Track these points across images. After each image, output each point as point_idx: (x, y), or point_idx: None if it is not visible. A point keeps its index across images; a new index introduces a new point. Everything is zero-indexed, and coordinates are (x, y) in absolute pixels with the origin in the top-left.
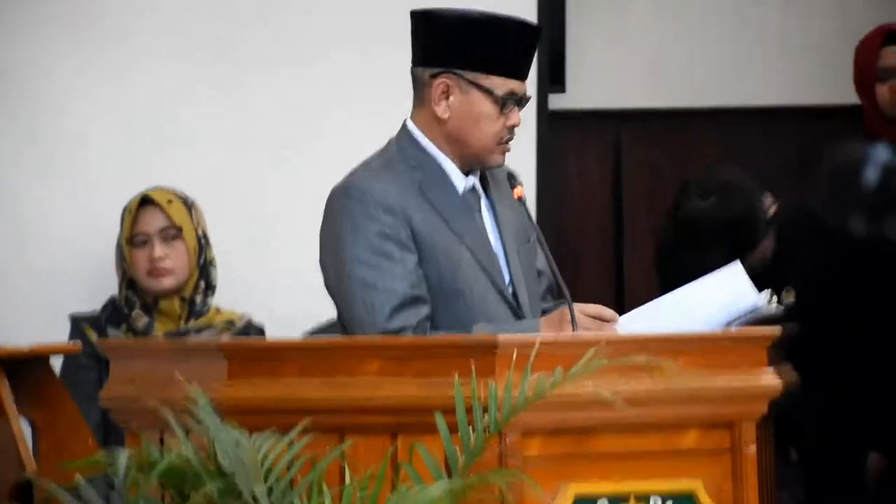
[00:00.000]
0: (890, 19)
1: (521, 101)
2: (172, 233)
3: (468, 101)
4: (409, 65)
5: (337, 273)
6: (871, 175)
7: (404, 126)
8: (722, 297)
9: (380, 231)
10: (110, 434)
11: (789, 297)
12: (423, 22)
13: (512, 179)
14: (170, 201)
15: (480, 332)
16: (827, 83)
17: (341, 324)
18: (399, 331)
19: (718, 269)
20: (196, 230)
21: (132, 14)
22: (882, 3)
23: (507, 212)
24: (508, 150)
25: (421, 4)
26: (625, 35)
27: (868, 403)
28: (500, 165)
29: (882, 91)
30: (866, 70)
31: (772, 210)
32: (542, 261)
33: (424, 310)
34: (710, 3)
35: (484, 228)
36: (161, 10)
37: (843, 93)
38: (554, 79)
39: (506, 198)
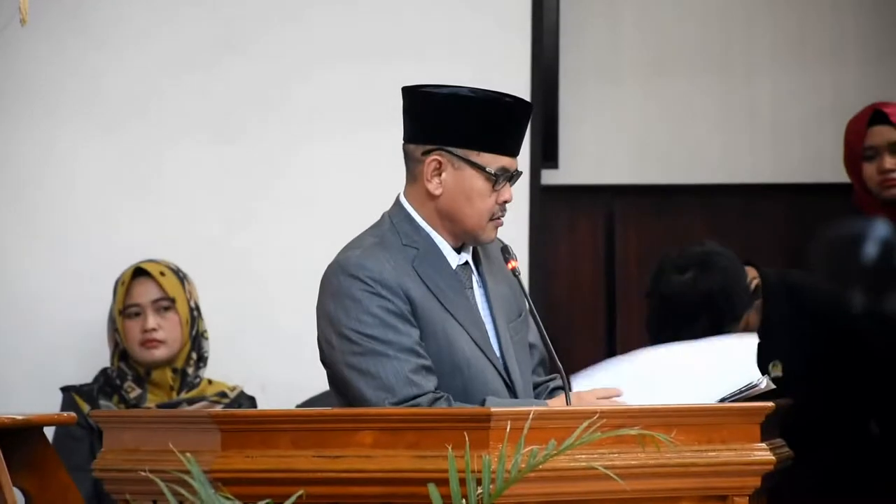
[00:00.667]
0: (882, 98)
1: (512, 177)
2: (165, 304)
3: (460, 178)
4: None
5: (341, 349)
6: (871, 250)
7: (397, 201)
8: (727, 364)
9: (382, 306)
10: None
11: (776, 371)
12: (414, 98)
13: (506, 253)
14: (163, 273)
15: (493, 405)
16: (817, 161)
17: (346, 399)
18: (417, 395)
19: (736, 335)
20: (189, 302)
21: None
22: (874, 82)
23: (498, 287)
24: (501, 225)
25: (412, 80)
26: (617, 112)
27: (862, 476)
28: (492, 241)
29: (869, 170)
30: (854, 149)
31: (754, 282)
32: (533, 334)
33: (435, 379)
34: (700, 81)
35: (475, 304)
36: (147, 77)
37: (834, 171)
38: (547, 154)
39: (498, 272)
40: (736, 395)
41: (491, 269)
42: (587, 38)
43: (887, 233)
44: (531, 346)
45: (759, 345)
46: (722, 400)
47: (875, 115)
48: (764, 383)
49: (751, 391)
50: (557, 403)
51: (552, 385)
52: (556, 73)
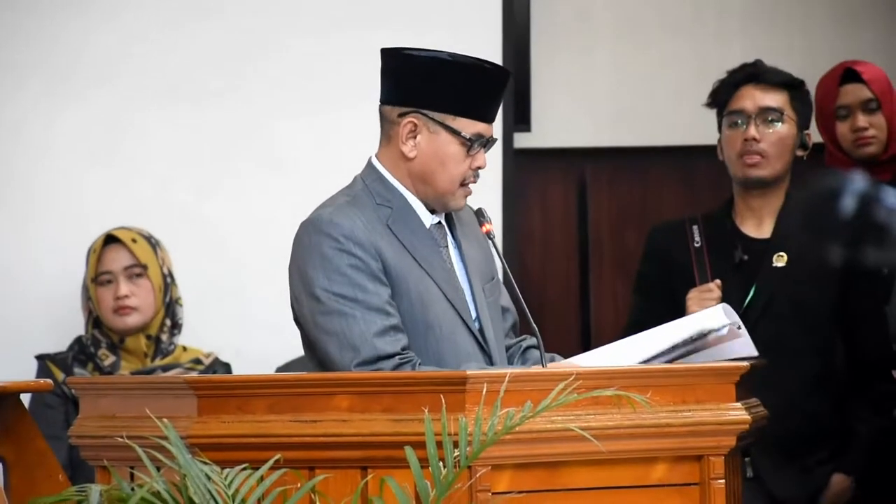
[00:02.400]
0: (852, 51)
1: (487, 143)
2: (137, 271)
3: (435, 142)
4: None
5: (310, 307)
6: (848, 204)
7: (370, 163)
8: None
9: (352, 264)
10: (77, 473)
11: None
12: (393, 60)
13: (480, 216)
14: (134, 240)
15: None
16: None
17: (315, 357)
18: (381, 358)
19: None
20: (161, 268)
21: (97, 49)
22: (845, 45)
23: (472, 250)
24: (470, 193)
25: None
26: (589, 75)
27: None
28: (460, 209)
29: (842, 129)
30: (825, 108)
31: None
32: (506, 298)
33: (403, 339)
34: (671, 43)
35: (451, 264)
36: (118, 43)
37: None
38: (519, 118)
39: (471, 235)
40: (689, 341)
41: (464, 232)
42: (558, 1)
43: (865, 187)
44: (504, 309)
45: None
46: (674, 346)
47: (846, 74)
48: (725, 330)
49: (706, 339)
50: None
51: (525, 344)
52: (527, 36)
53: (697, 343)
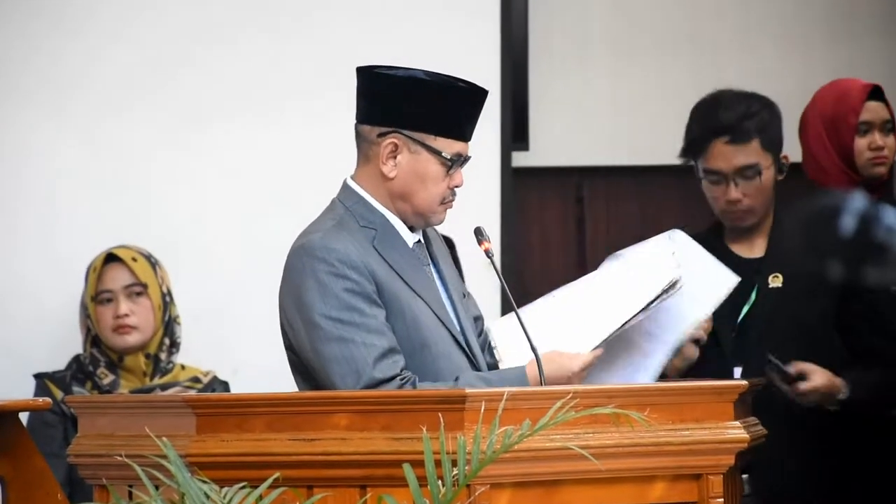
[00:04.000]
0: (848, 68)
1: (464, 162)
2: (137, 290)
3: (416, 162)
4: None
5: (308, 333)
6: (848, 222)
7: (346, 186)
8: (647, 272)
9: (347, 287)
10: (76, 492)
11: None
12: (369, 79)
13: (479, 234)
14: (134, 259)
15: (468, 382)
16: (786, 141)
17: (311, 383)
18: (383, 382)
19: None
20: (161, 287)
21: (98, 70)
22: (842, 61)
23: (445, 267)
24: (450, 208)
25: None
26: (586, 93)
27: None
28: (441, 223)
29: (860, 144)
30: (846, 121)
31: None
32: (474, 307)
33: (401, 361)
34: (669, 62)
35: (434, 281)
36: (118, 64)
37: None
38: (517, 136)
39: (442, 252)
40: (662, 295)
41: (436, 250)
42: (556, 20)
43: (865, 206)
44: (476, 318)
45: None
46: (648, 304)
47: (874, 91)
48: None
49: (674, 289)
50: (531, 370)
51: (484, 330)
52: (525, 56)
53: (669, 293)
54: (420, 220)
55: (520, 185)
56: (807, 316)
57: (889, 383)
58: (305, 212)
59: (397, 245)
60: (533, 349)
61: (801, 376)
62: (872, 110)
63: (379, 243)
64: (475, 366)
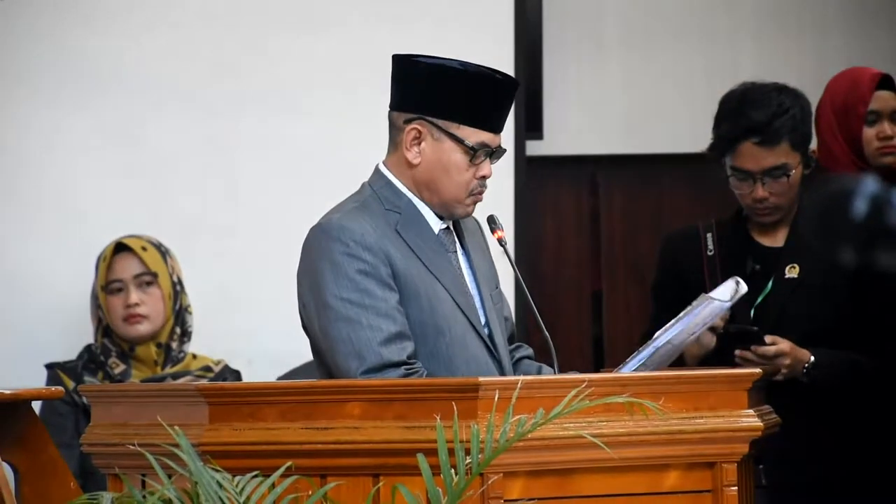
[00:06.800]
0: (863, 56)
1: (493, 153)
2: (147, 279)
3: (439, 149)
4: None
5: (318, 313)
6: (861, 206)
7: (377, 170)
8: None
9: (360, 269)
10: (89, 481)
11: None
12: (402, 66)
13: (492, 223)
14: (144, 248)
15: None
16: None
17: (322, 363)
18: (387, 366)
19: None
20: (171, 276)
21: (113, 62)
22: (857, 50)
23: (478, 258)
24: (479, 200)
25: (395, 50)
26: (600, 82)
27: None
28: (468, 216)
29: (869, 133)
30: (854, 110)
31: None
32: (507, 308)
33: (409, 346)
34: (683, 50)
35: (460, 269)
36: (126, 49)
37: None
38: (531, 125)
39: (477, 245)
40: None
41: (471, 241)
42: (570, 8)
43: (878, 189)
44: (504, 318)
45: None
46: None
47: (884, 80)
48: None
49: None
50: None
51: (517, 355)
52: (539, 43)
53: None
54: (446, 211)
55: (533, 174)
56: (821, 307)
57: (851, 360)
58: (321, 201)
59: (421, 229)
60: (546, 339)
61: (759, 338)
62: (882, 100)
63: (402, 227)
64: (495, 357)
